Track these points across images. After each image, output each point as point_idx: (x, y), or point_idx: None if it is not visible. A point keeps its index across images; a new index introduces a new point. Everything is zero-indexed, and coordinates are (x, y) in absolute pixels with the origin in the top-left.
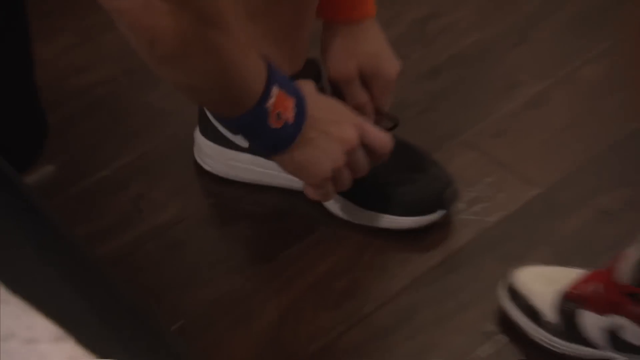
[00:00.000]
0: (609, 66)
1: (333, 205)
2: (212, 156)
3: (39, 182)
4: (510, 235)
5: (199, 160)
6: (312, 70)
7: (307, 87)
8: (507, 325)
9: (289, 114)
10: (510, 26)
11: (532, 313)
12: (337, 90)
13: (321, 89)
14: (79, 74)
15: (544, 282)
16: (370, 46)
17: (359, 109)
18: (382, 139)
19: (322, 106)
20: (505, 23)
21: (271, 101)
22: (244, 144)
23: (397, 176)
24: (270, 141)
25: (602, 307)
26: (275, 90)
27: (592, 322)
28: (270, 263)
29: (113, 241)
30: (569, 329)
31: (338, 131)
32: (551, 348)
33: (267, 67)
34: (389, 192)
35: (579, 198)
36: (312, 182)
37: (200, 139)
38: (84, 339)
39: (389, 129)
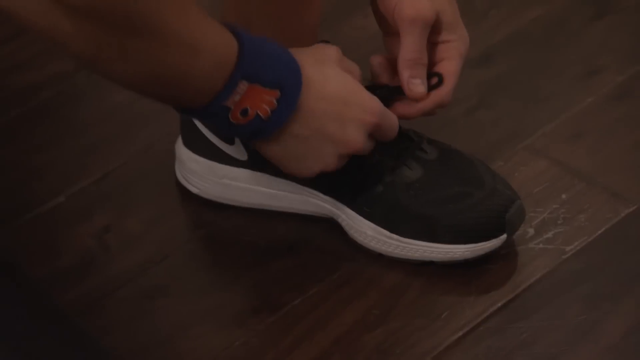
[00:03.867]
0: None
1: (361, 235)
2: (200, 174)
3: None
4: (596, 268)
5: (182, 181)
6: None
7: (315, 62)
8: None
9: (263, 108)
10: None
11: None
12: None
13: None
14: (20, 71)
15: None
16: None
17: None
18: (394, 128)
19: (330, 93)
20: None
21: (234, 98)
22: (243, 156)
23: (443, 192)
24: (234, 134)
25: None
26: (242, 86)
27: None
28: (281, 312)
29: (72, 289)
30: None
31: (339, 132)
32: None
33: (237, 55)
34: (433, 214)
35: None
36: (292, 174)
37: (183, 152)
38: None
39: (433, 87)
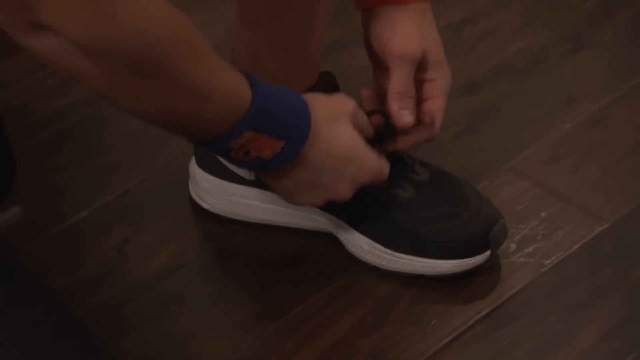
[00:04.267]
0: None
1: (358, 249)
2: (211, 192)
3: (2, 227)
4: (572, 280)
5: (195, 197)
6: (326, 85)
7: (330, 115)
8: None
9: (266, 154)
10: (563, 30)
11: None
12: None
13: None
14: (49, 97)
15: None
16: (437, 33)
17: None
18: (384, 178)
19: (334, 151)
20: (557, 26)
21: (239, 142)
22: (250, 176)
23: (433, 212)
24: (236, 166)
25: None
26: (248, 134)
27: None
28: (284, 319)
29: (93, 296)
30: None
31: (332, 184)
32: None
33: (248, 106)
34: (424, 231)
35: None
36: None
37: (196, 172)
38: None
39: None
